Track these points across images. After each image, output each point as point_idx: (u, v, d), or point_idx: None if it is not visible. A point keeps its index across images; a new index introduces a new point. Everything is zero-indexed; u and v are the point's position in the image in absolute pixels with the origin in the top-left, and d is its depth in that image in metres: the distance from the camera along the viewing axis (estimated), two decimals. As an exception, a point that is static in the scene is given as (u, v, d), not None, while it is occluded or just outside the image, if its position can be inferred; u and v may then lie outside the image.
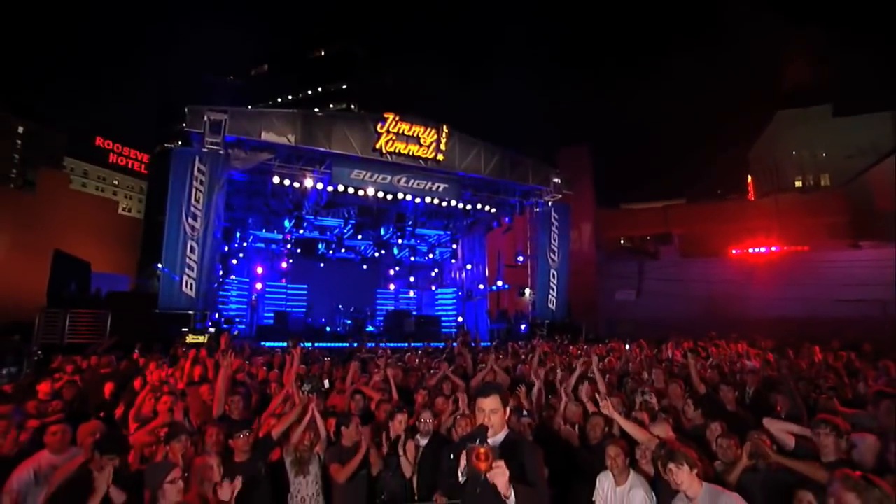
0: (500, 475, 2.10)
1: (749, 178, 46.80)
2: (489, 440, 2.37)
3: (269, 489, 3.84)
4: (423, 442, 4.38)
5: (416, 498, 4.20)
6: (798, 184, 41.91)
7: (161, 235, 11.94)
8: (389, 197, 15.10)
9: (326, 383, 4.30)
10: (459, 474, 2.32)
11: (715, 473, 3.39)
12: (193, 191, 11.97)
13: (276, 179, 13.84)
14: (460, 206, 16.38)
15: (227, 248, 17.53)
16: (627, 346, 9.25)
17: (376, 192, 14.70)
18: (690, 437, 3.92)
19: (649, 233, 32.39)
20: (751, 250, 26.79)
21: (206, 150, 12.23)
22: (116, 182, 56.78)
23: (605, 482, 3.55)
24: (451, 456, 2.42)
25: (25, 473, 3.51)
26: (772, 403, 4.91)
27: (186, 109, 12.22)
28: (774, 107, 45.28)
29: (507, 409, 2.58)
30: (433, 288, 23.72)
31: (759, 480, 3.27)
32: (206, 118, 12.24)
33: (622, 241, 33.88)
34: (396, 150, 14.36)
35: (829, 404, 4.62)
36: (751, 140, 48.60)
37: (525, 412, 4.44)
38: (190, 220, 11.89)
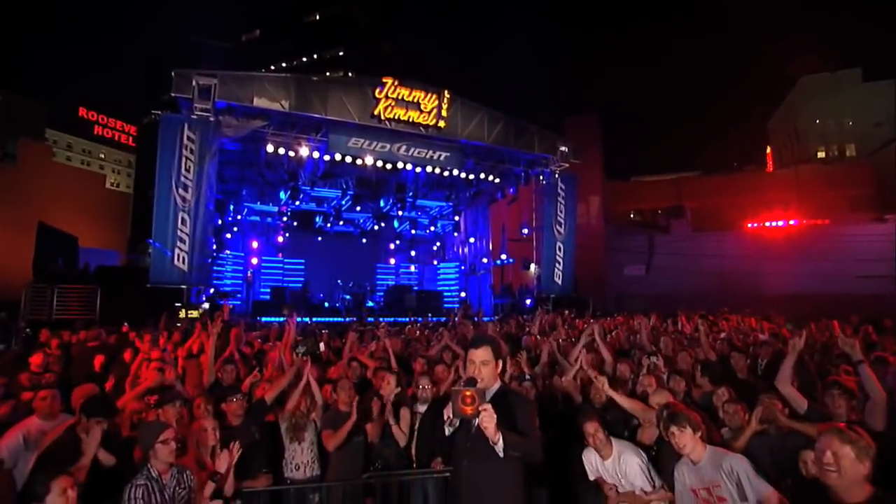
0: (487, 419, 2.10)
1: (768, 148, 46.00)
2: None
3: (264, 454, 3.91)
4: (422, 409, 4.43)
5: (413, 466, 4.26)
6: (821, 154, 40.95)
7: (151, 210, 11.89)
8: (389, 166, 14.96)
9: (322, 346, 4.33)
10: (446, 426, 2.32)
11: (722, 440, 3.40)
12: (183, 160, 11.86)
13: (269, 148, 13.70)
14: (463, 175, 16.22)
15: (220, 222, 17.51)
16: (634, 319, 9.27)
17: (375, 161, 14.55)
18: (699, 407, 3.93)
19: (660, 206, 32.13)
20: (767, 224, 26.60)
21: (195, 116, 12.08)
22: (103, 155, 56.22)
23: (591, 457, 3.58)
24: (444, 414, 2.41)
25: (14, 439, 3.55)
26: None
27: (173, 73, 12.02)
28: (798, 72, 43.91)
29: (500, 363, 2.57)
30: (435, 262, 23.74)
31: (769, 445, 3.28)
32: (194, 83, 12.05)
33: (632, 215, 33.68)
34: (396, 117, 14.16)
35: (842, 374, 4.61)
36: (771, 109, 47.61)
37: (528, 376, 4.46)
38: (180, 190, 11.82)
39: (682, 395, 4.16)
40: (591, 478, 3.56)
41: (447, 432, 2.39)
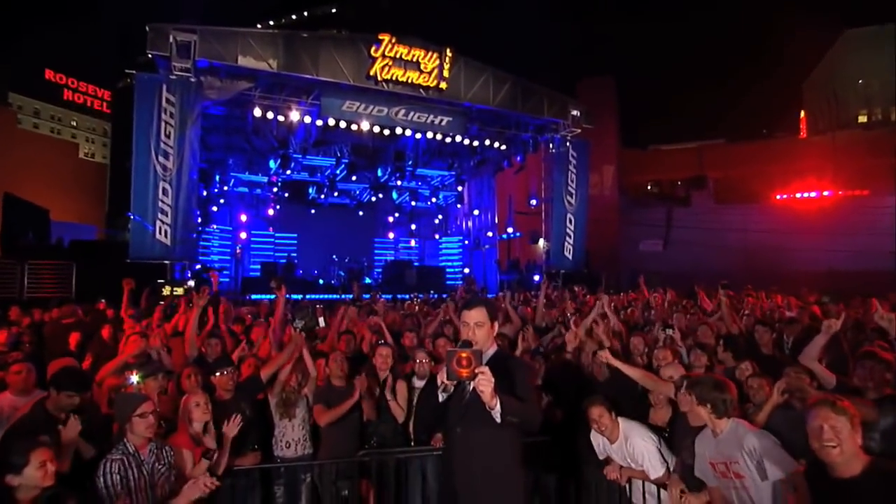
0: (484, 382, 2.10)
1: (802, 113, 44.91)
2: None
3: (255, 432, 3.95)
4: (420, 384, 4.47)
5: (411, 444, 4.31)
6: (862, 118, 39.50)
7: (129, 181, 11.80)
8: (386, 132, 14.82)
9: (322, 321, 4.37)
10: (439, 391, 2.33)
11: (745, 416, 3.41)
12: (163, 125, 11.73)
13: (257, 112, 13.55)
14: (466, 142, 16.08)
15: (205, 193, 17.45)
16: (649, 294, 9.28)
17: (371, 126, 14.40)
18: None
19: (681, 177, 31.85)
20: (798, 195, 26.33)
21: (174, 77, 11.91)
22: (75, 123, 55.19)
23: (599, 440, 3.61)
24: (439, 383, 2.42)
25: (-16, 416, 3.58)
26: None
27: (148, 28, 11.78)
28: (838, 26, 42.00)
29: (495, 326, 2.57)
30: (437, 236, 23.73)
31: (793, 420, 3.27)
32: (172, 39, 11.82)
33: (649, 186, 33.48)
34: (393, 78, 13.95)
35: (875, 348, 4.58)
36: (806, 69, 46.21)
37: (541, 349, 4.50)
38: (160, 158, 11.73)
39: (703, 371, 4.16)
40: (602, 457, 3.60)
41: (441, 398, 2.40)
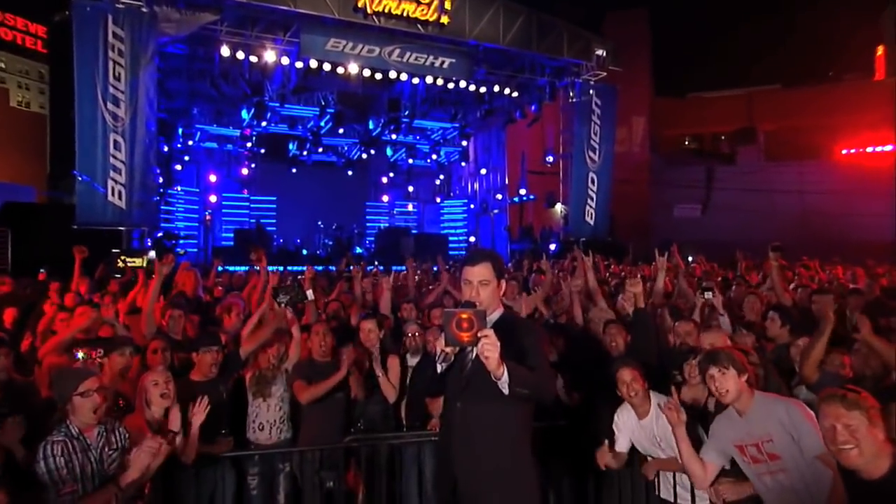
0: (489, 347, 2.08)
1: (879, 49, 43.44)
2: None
3: (228, 415, 4.02)
4: (414, 361, 4.50)
5: (404, 426, 4.37)
6: None
7: (73, 134, 11.59)
8: (379, 77, 14.65)
9: (310, 293, 4.40)
10: (437, 361, 2.33)
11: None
12: (110, 65, 11.52)
13: (224, 52, 13.34)
14: (472, 88, 15.90)
15: (166, 149, 17.36)
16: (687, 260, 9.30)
17: (361, 69, 14.23)
18: (772, 363, 3.91)
19: (725, 129, 31.46)
20: (869, 150, 25.89)
21: (121, 6, 11.66)
22: (3, 65, 53.87)
23: (626, 417, 3.58)
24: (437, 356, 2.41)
25: None
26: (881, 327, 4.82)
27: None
28: None
29: (502, 284, 2.56)
30: (438, 200, 23.69)
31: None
32: (117, -42, 11.58)
33: (686, 142, 33.13)
34: (386, 10, 13.72)
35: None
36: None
37: (551, 320, 4.52)
38: (109, 105, 11.56)
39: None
40: (621, 447, 3.59)
41: (439, 369, 2.38)
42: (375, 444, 4.09)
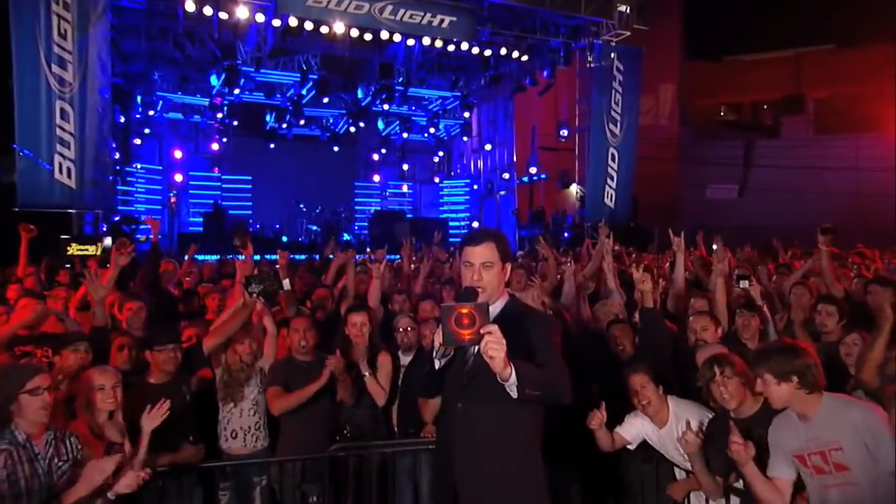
0: (493, 345, 2.06)
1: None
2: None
3: (194, 419, 4.04)
4: (406, 360, 4.55)
5: (395, 434, 4.41)
6: None
7: (12, 102, 11.32)
8: (368, 37, 14.61)
9: (287, 283, 4.40)
10: (435, 358, 2.34)
11: None
12: (54, 20, 11.33)
13: (189, 7, 13.19)
14: (475, 51, 15.84)
15: (123, 120, 17.32)
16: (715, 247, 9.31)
17: (348, 28, 14.18)
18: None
19: (768, 97, 31.22)
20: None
21: (64, -50, 11.55)
22: None
23: (641, 426, 3.64)
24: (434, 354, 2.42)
25: None
26: None
27: None
28: None
29: (508, 268, 2.56)
30: (436, 180, 23.71)
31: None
32: None
33: (722, 112, 32.95)
34: (376, -41, 13.70)
35: None
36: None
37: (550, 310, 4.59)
38: (54, 68, 11.42)
39: None
40: (620, 439, 3.68)
41: (437, 365, 2.39)
42: (364, 454, 4.13)
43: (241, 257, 5.36)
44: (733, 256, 9.70)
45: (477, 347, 2.17)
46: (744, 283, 5.09)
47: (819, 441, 2.72)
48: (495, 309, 2.44)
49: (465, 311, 2.07)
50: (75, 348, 3.80)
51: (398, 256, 13.33)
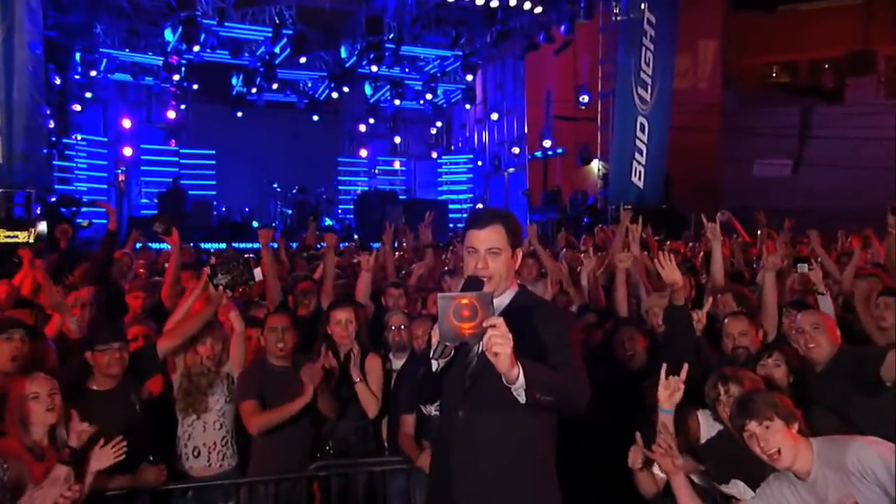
0: (499, 342, 2.06)
1: None
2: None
3: (147, 433, 4.05)
4: (398, 363, 4.61)
5: (385, 451, 4.48)
6: None
7: None
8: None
9: (258, 273, 4.36)
10: (433, 357, 2.37)
11: None
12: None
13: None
14: (480, 1, 15.87)
15: (59, 82, 17.25)
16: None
17: (327, -26, 14.20)
18: None
19: (830, 55, 31.14)
20: None
21: None
22: None
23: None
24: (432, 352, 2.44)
25: None
26: None
27: None
28: None
29: (519, 255, 2.60)
30: (434, 155, 23.75)
31: None
32: None
33: (774, 73, 32.89)
34: None
35: None
36: None
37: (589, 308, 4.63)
38: (-28, 16, 11.37)
39: None
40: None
41: (434, 367, 2.42)
42: (350, 473, 4.18)
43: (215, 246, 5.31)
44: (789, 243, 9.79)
45: (480, 346, 2.18)
46: (802, 268, 4.98)
47: (829, 499, 2.73)
48: (503, 301, 2.49)
49: (465, 301, 2.09)
50: (8, 336, 3.77)
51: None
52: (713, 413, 3.43)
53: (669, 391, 3.13)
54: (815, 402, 3.49)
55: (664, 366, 3.18)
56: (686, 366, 3.16)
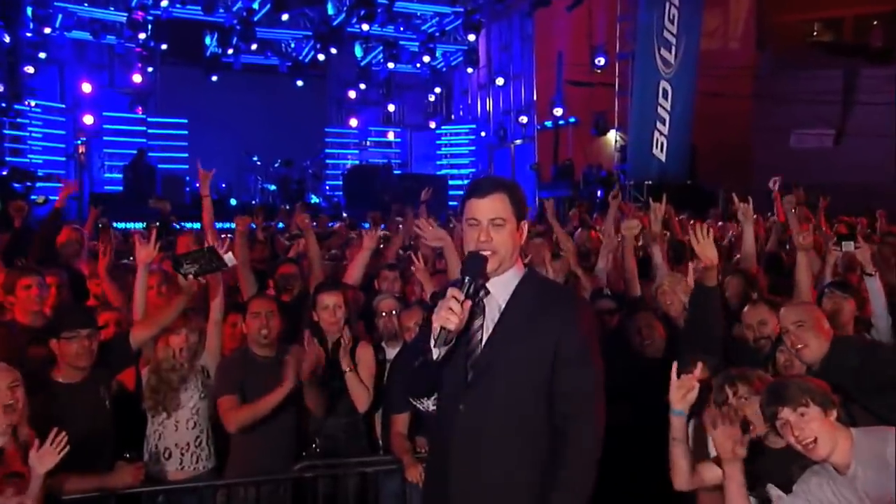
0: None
1: None
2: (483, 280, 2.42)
3: (116, 431, 4.07)
4: (392, 353, 4.64)
5: (379, 449, 4.53)
6: None
7: None
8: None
9: (230, 258, 4.34)
10: (433, 347, 2.36)
11: None
12: None
13: None
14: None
15: (9, 40, 17.16)
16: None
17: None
18: None
19: (878, 10, 31.02)
20: None
21: None
22: None
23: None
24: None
25: None
26: None
27: None
28: None
29: (525, 228, 2.59)
30: (432, 125, 23.70)
31: None
32: None
33: (815, 31, 32.79)
34: None
35: None
36: None
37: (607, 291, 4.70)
38: None
39: None
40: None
41: (435, 355, 2.40)
42: (339, 474, 4.20)
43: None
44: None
45: (484, 332, 2.27)
46: (847, 246, 4.92)
47: (872, 495, 2.73)
48: (507, 284, 2.49)
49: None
50: None
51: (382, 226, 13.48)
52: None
53: (683, 390, 3.12)
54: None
55: (675, 364, 3.18)
56: (700, 364, 3.14)
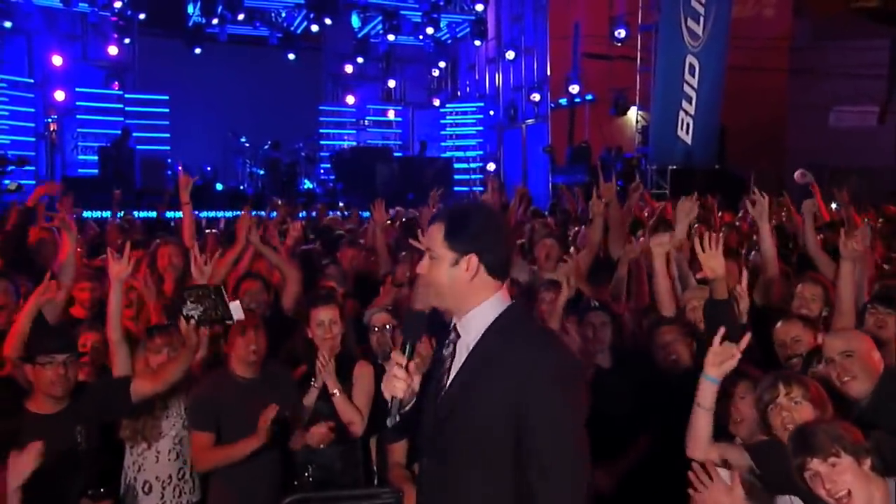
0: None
1: None
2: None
3: (91, 471, 4.03)
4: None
5: (375, 476, 4.57)
6: None
7: None
8: None
9: (236, 307, 4.18)
10: (389, 415, 2.42)
11: None
12: None
13: None
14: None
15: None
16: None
17: None
18: None
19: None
20: None
21: None
22: None
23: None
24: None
25: None
26: None
27: None
28: None
29: (473, 262, 2.33)
30: (436, 103, 23.73)
31: None
32: None
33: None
34: None
35: None
36: None
37: (595, 302, 4.72)
38: None
39: None
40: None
41: (390, 423, 2.42)
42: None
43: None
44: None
45: (449, 377, 2.34)
46: None
47: None
48: (480, 324, 2.38)
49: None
50: None
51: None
52: (760, 420, 3.40)
53: (721, 357, 3.19)
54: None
55: (721, 329, 3.23)
56: (749, 334, 3.24)
